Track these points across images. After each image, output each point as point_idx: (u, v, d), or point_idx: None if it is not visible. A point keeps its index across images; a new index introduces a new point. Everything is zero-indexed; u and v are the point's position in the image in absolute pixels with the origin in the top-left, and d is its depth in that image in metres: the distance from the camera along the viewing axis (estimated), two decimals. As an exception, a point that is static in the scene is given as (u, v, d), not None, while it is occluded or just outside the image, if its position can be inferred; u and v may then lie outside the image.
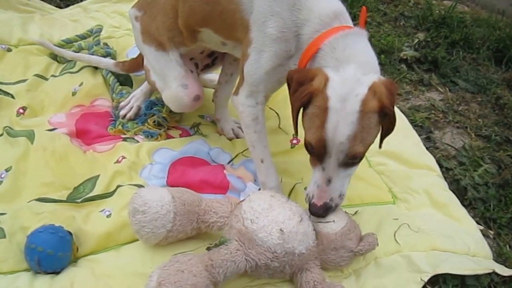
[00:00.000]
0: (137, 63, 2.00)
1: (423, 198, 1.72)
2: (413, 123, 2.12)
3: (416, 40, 2.84)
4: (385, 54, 2.68)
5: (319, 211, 1.32)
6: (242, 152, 1.82)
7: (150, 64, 1.77)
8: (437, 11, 3.20)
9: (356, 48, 1.29)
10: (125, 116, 1.93)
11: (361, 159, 1.28)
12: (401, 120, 2.05)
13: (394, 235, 1.52)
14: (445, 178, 1.86)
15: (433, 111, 2.30)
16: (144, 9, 1.73)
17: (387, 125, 1.27)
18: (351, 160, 1.25)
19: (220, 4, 1.46)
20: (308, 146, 1.28)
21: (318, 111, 1.23)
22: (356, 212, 1.59)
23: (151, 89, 1.97)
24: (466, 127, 2.22)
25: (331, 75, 1.23)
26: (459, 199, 1.76)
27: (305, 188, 1.38)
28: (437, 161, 1.91)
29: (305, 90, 1.24)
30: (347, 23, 1.36)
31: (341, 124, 1.20)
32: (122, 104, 1.96)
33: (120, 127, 1.88)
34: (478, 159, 1.99)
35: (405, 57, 2.68)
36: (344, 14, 1.37)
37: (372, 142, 1.28)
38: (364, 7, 1.46)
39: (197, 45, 1.68)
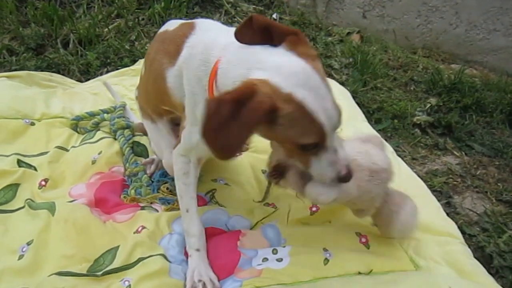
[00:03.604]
0: None
1: (447, 267, 1.67)
2: (431, 188, 2.11)
3: (428, 105, 2.89)
4: (398, 119, 2.72)
5: (349, 176, 1.29)
6: (261, 220, 1.81)
7: (149, 136, 1.99)
8: (447, 76, 3.25)
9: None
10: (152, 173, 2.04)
11: None
12: (419, 185, 2.04)
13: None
14: (469, 246, 1.81)
15: (451, 176, 2.30)
16: (139, 89, 1.94)
17: None
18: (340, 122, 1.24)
19: (160, 86, 1.59)
20: (307, 147, 1.23)
21: (294, 112, 1.15)
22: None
23: None
24: (486, 192, 2.21)
25: (265, 76, 1.15)
26: (485, 267, 1.70)
27: None
28: (459, 227, 1.87)
29: (258, 105, 1.11)
30: None
31: (325, 100, 1.18)
32: (146, 160, 2.08)
33: (132, 191, 1.93)
34: (501, 225, 1.96)
35: (418, 122, 2.71)
36: None
37: None
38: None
39: (175, 115, 1.75)
